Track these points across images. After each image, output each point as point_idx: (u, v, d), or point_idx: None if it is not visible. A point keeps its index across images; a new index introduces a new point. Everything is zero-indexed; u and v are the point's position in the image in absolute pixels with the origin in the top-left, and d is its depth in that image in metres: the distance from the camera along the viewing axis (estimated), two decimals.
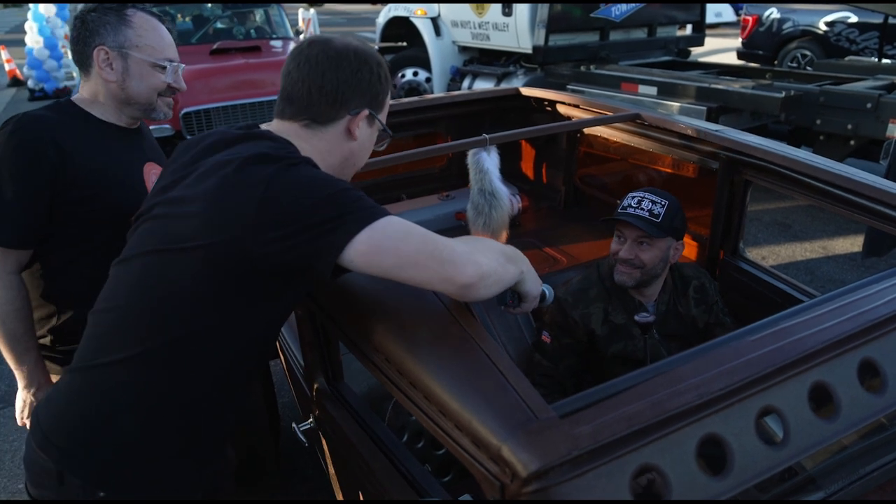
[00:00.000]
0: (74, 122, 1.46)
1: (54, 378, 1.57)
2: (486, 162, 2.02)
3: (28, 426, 1.55)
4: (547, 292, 1.23)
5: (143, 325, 1.01)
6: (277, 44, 6.79)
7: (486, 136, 2.00)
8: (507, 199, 2.11)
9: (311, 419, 1.62)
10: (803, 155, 1.75)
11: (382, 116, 1.18)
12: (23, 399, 1.55)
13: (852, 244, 4.41)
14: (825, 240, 4.51)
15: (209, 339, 1.02)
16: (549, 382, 1.83)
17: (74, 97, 1.52)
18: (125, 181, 1.49)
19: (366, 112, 1.12)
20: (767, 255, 4.30)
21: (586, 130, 2.77)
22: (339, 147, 1.13)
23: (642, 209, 1.74)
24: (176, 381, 1.03)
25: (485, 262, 0.98)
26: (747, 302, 2.06)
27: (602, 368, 1.86)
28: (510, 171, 3.23)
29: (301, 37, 7.74)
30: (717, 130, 2.03)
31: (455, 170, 3.19)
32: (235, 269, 0.97)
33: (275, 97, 5.15)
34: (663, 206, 1.75)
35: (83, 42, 1.45)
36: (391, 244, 0.95)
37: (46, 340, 1.55)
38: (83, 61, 1.47)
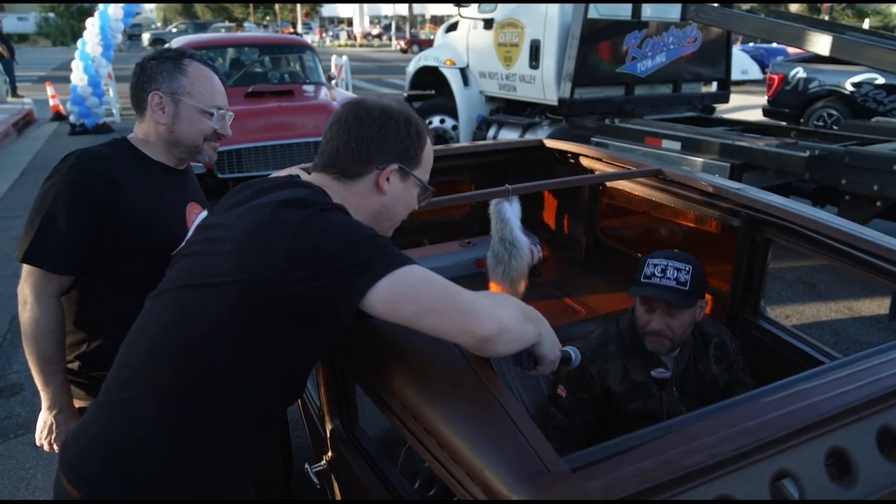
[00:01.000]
0: (129, 160, 1.55)
1: (77, 403, 1.61)
2: (508, 212, 2.05)
3: (45, 447, 1.60)
4: (573, 355, 1.22)
5: (174, 358, 1.04)
6: (310, 88, 7.02)
7: (509, 187, 2.05)
8: (527, 250, 2.13)
9: (323, 461, 1.62)
10: (824, 216, 1.75)
11: (420, 172, 1.19)
12: (44, 420, 1.58)
13: (879, 306, 4.33)
14: (851, 300, 4.44)
15: (237, 374, 1.04)
16: (563, 436, 1.81)
17: (130, 136, 1.62)
18: (168, 219, 1.57)
19: (394, 167, 1.15)
20: (791, 314, 4.24)
21: (608, 184, 2.80)
22: (369, 201, 1.16)
23: (669, 278, 1.71)
24: (205, 415, 1.05)
25: (505, 317, 0.98)
26: (768, 361, 2.04)
27: (620, 424, 1.84)
28: (532, 221, 3.26)
29: (333, 82, 7.98)
30: (738, 189, 2.05)
31: (477, 217, 3.23)
32: (264, 307, 0.99)
33: (305, 139, 5.35)
34: (688, 271, 1.71)
35: (141, 87, 1.55)
36: (412, 292, 0.96)
37: (74, 366, 1.59)
38: (140, 104, 1.57)
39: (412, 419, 1.01)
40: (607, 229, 3.06)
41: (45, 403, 1.57)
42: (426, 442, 0.97)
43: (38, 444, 1.61)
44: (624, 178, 2.43)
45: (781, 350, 1.99)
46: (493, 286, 2.18)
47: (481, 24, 6.68)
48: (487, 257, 2.13)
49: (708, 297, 2.35)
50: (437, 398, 0.98)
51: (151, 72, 1.54)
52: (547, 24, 5.92)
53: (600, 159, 2.70)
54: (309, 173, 1.23)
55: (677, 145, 5.04)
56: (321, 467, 1.61)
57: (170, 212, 1.58)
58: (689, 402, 1.79)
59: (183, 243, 1.55)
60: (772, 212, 1.90)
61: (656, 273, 1.73)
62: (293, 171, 1.67)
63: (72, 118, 10.96)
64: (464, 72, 7.04)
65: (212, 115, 1.57)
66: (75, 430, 1.15)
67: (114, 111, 12.03)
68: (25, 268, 1.49)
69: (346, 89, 11.21)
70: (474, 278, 2.72)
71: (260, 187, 1.12)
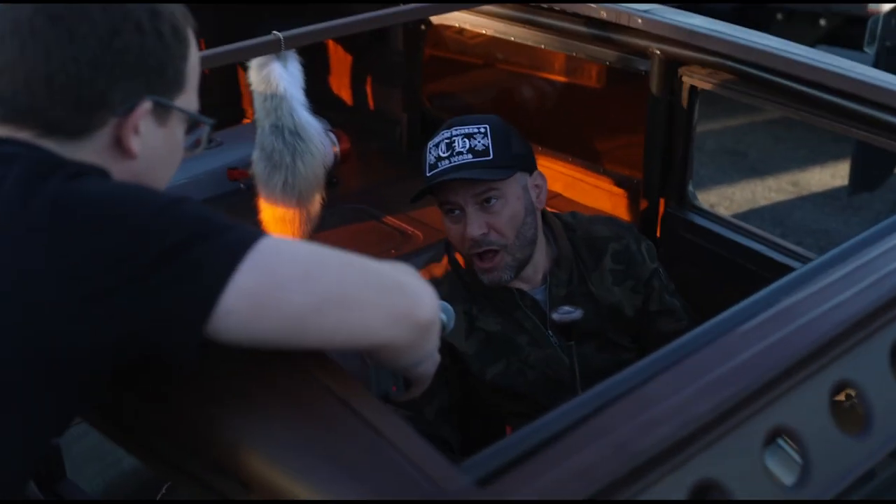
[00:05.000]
0: None
1: None
2: (283, 79, 2.03)
3: None
4: (444, 317, 1.30)
5: None
6: None
7: (280, 36, 2.00)
8: (319, 140, 2.13)
9: None
10: (778, 44, 1.92)
11: (186, 99, 1.14)
12: None
13: (832, 176, 4.89)
14: (795, 172, 4.97)
15: None
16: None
17: None
18: None
19: (146, 106, 1.08)
20: (718, 202, 4.65)
21: (435, 20, 2.83)
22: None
23: (459, 152, 1.82)
24: None
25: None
26: (706, 273, 2.24)
27: (496, 406, 1.96)
28: (311, 93, 3.20)
29: None
30: (645, 12, 2.16)
31: (219, 95, 3.14)
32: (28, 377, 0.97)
33: None
34: (484, 133, 1.84)
35: None
36: (298, 273, 0.98)
37: None
38: None
39: (213, 472, 1.00)
40: (440, 96, 3.13)
41: None
42: (219, 486, 0.98)
43: None
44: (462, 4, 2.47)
45: (725, 254, 2.20)
46: (268, 206, 2.15)
47: None
48: (254, 161, 2.10)
49: (609, 185, 2.51)
50: (237, 417, 0.99)
51: None
52: None
53: None
54: None
55: None
56: None
57: None
58: (582, 351, 1.88)
59: None
60: (700, 44, 2.04)
61: (441, 154, 1.84)
62: None
63: None
64: None
65: None
66: None
67: None
68: None
69: None
70: (230, 201, 2.67)
71: None
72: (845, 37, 4.89)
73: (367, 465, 0.90)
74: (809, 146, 5.19)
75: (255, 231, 0.99)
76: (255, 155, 2.08)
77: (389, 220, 2.69)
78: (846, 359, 1.08)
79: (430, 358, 1.19)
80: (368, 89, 3.31)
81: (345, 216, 2.72)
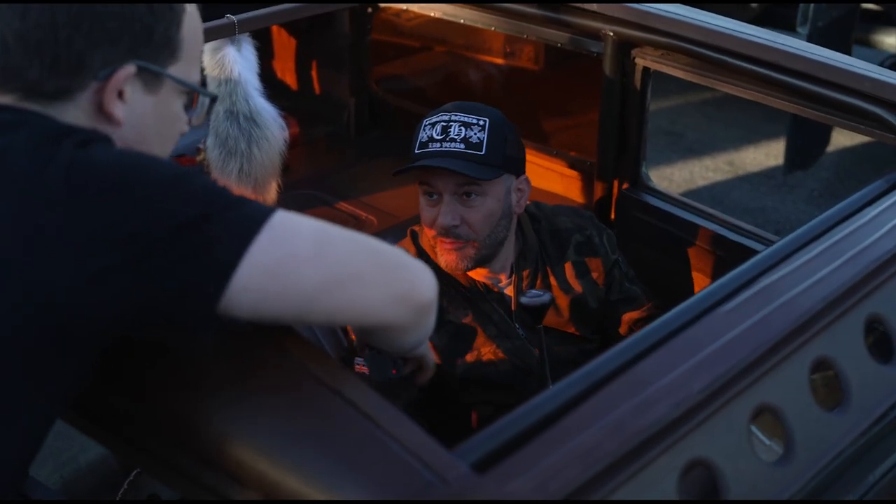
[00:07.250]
0: None
1: None
2: (237, 63, 2.01)
3: None
4: None
5: None
6: None
7: (234, 19, 1.98)
8: (277, 126, 2.11)
9: None
10: (731, 25, 1.94)
11: (182, 67, 1.13)
12: None
13: (767, 156, 4.99)
14: (730, 152, 5.05)
15: None
16: None
17: None
18: None
19: (129, 70, 1.06)
20: (657, 182, 4.62)
21: (382, 3, 2.81)
22: None
23: (452, 139, 1.79)
24: None
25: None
26: (660, 253, 2.27)
27: (456, 394, 1.95)
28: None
29: None
30: None
31: None
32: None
33: None
34: (482, 126, 1.81)
35: None
36: (309, 249, 1.00)
37: None
38: None
39: (202, 466, 0.98)
40: (388, 80, 3.11)
41: None
42: (231, 493, 0.95)
43: None
44: None
45: (680, 234, 2.22)
46: None
47: None
48: (208, 147, 2.08)
49: (562, 167, 2.51)
50: (250, 423, 0.97)
51: None
52: None
53: None
54: None
55: None
56: None
57: None
58: (546, 342, 1.87)
59: None
60: (651, 24, 2.05)
61: (435, 136, 1.81)
62: None
63: None
64: None
65: None
66: None
67: None
68: None
69: None
70: None
71: None
72: (776, 17, 4.96)
73: (365, 456, 0.89)
74: (742, 126, 5.27)
75: (265, 206, 1.01)
76: (210, 141, 2.04)
77: (342, 206, 2.67)
78: (824, 336, 1.10)
79: (427, 340, 1.26)
80: (314, 73, 3.27)
81: (296, 203, 2.66)
